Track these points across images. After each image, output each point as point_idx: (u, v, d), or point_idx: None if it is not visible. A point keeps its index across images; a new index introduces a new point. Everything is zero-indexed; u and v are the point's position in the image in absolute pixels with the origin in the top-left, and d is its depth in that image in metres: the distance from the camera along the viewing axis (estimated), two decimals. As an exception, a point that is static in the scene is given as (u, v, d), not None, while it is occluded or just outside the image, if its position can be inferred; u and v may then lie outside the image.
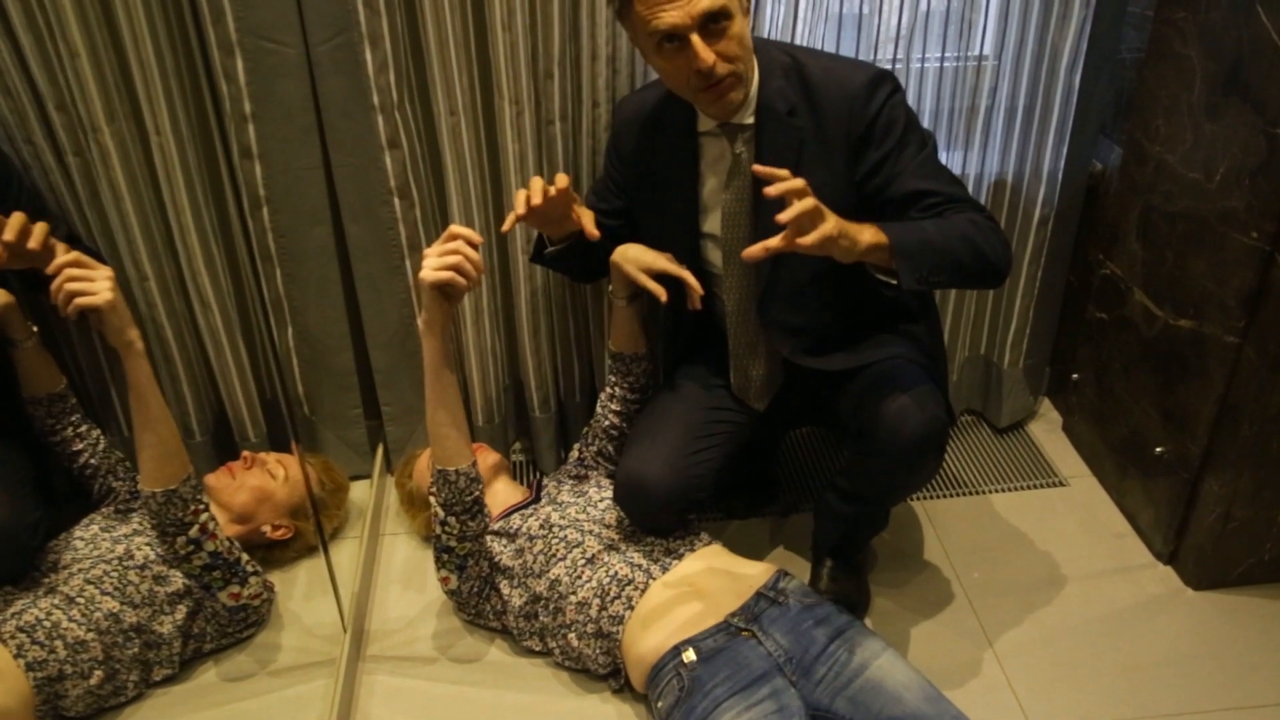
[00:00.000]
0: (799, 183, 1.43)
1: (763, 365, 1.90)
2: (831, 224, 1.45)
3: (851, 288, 1.78)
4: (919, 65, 2.08)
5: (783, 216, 1.43)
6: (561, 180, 1.71)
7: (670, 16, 1.52)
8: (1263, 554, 2.00)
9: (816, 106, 1.64)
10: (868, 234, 1.51)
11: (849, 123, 1.62)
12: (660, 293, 1.83)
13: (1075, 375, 2.38)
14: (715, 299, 1.91)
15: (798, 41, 1.99)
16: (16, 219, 1.61)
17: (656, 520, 1.87)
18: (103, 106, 1.83)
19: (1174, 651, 1.90)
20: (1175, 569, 2.08)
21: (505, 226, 1.69)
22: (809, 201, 1.43)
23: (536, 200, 1.67)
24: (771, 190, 1.43)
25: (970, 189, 2.19)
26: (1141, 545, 2.15)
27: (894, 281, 1.56)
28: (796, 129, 1.66)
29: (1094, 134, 2.22)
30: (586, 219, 1.77)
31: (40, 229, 1.63)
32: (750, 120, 1.69)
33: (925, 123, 2.12)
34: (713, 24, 1.54)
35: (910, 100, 2.05)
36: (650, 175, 1.83)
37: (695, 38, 1.53)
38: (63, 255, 1.61)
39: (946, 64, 2.10)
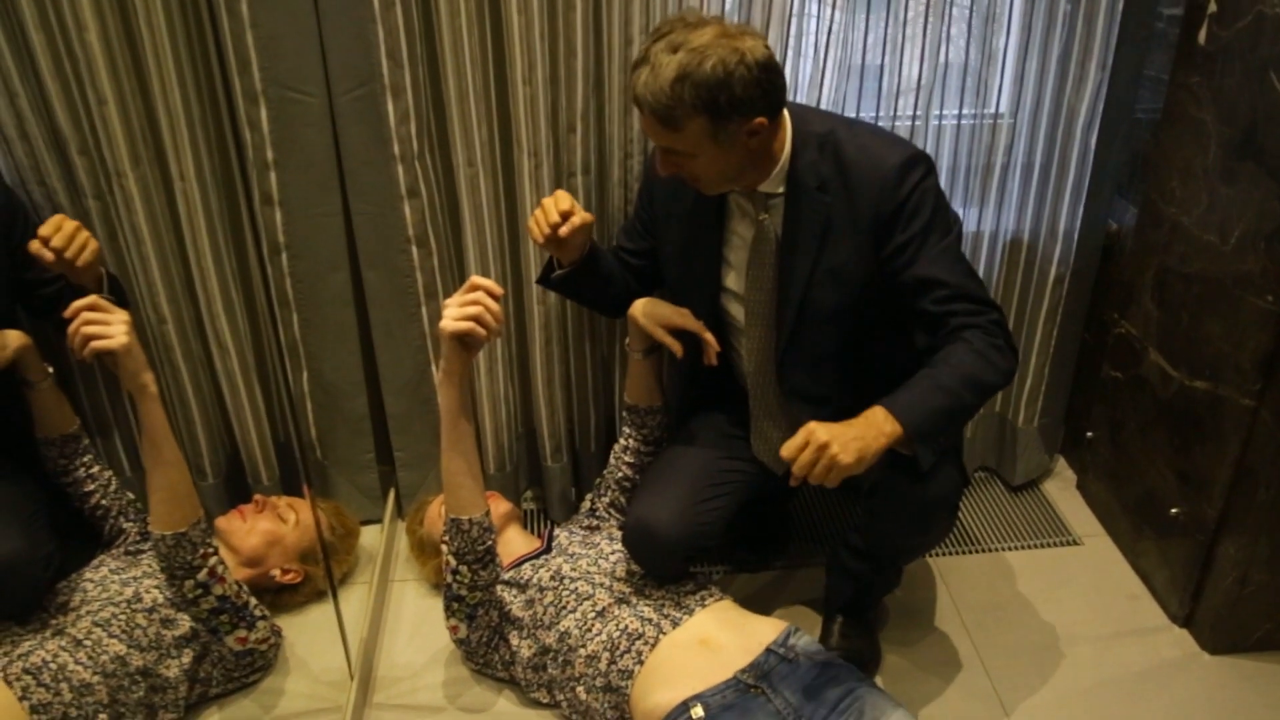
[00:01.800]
0: (807, 458, 1.46)
1: (783, 430, 1.90)
2: (850, 458, 1.45)
3: (871, 355, 1.79)
4: (936, 122, 2.10)
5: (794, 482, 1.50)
6: (576, 217, 1.73)
7: (642, 122, 1.59)
8: (1280, 619, 1.98)
9: (849, 183, 1.64)
10: (885, 436, 1.50)
11: (879, 203, 1.62)
12: (677, 348, 1.84)
13: (1090, 434, 2.37)
14: (734, 352, 1.92)
15: (824, 95, 2.01)
16: (69, 226, 1.70)
17: (664, 567, 1.86)
18: (128, 152, 1.86)
19: (1189, 717, 1.87)
20: (1191, 632, 2.06)
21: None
22: (818, 471, 1.47)
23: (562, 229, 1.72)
24: (793, 482, 1.49)
25: (985, 247, 2.21)
26: (1157, 607, 2.13)
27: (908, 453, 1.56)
28: (824, 205, 1.66)
29: (1110, 194, 2.23)
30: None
31: (92, 248, 1.74)
32: (780, 190, 1.69)
33: (942, 180, 2.12)
34: (671, 154, 1.60)
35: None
36: (678, 223, 1.84)
37: (657, 153, 1.62)
38: (80, 300, 1.63)
39: (964, 121, 2.12)
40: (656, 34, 1.53)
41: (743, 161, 1.62)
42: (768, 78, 1.53)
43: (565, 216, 1.71)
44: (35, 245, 1.69)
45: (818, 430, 1.46)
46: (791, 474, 1.48)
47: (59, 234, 1.70)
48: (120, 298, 1.89)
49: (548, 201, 1.73)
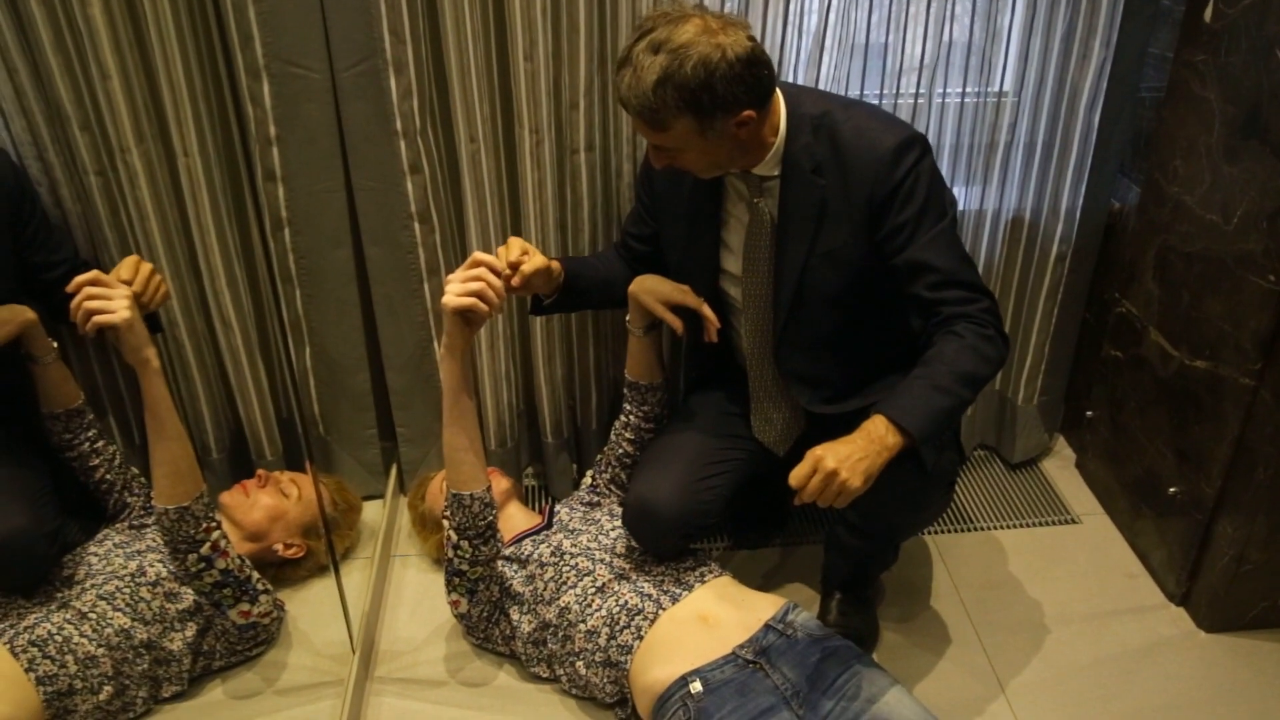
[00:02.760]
0: (815, 486, 1.46)
1: (784, 412, 1.90)
2: (859, 481, 1.46)
3: (868, 337, 1.79)
4: (940, 100, 2.09)
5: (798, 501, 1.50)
6: (526, 265, 1.74)
7: (631, 120, 1.60)
8: (1277, 598, 1.98)
9: (844, 166, 1.64)
10: (888, 450, 1.50)
11: (873, 185, 1.62)
12: (677, 325, 1.84)
13: (1090, 413, 2.38)
14: (735, 332, 1.92)
15: (823, 73, 2.00)
16: (145, 269, 1.77)
17: (663, 545, 1.87)
18: (132, 127, 1.86)
19: (1185, 695, 1.89)
20: (1188, 610, 2.07)
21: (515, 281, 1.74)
22: (827, 496, 1.47)
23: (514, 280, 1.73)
24: (797, 502, 1.49)
25: (987, 225, 2.21)
26: (1154, 586, 2.14)
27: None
28: (819, 187, 1.66)
29: (1112, 172, 2.23)
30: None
31: (164, 292, 1.82)
32: (776, 173, 1.69)
33: (944, 158, 2.13)
34: (661, 149, 1.60)
35: (931, 135, 2.07)
36: (677, 207, 1.84)
37: (650, 148, 1.63)
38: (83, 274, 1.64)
39: (967, 99, 2.11)
40: (639, 31, 1.52)
41: (733, 151, 1.62)
42: (751, 72, 1.52)
43: (515, 267, 1.72)
44: None
45: (825, 457, 1.46)
46: (798, 495, 1.48)
47: (138, 278, 1.74)
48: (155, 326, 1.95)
49: (500, 251, 1.74)
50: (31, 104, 1.84)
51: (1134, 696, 1.88)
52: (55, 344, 1.88)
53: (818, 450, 1.48)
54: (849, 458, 1.46)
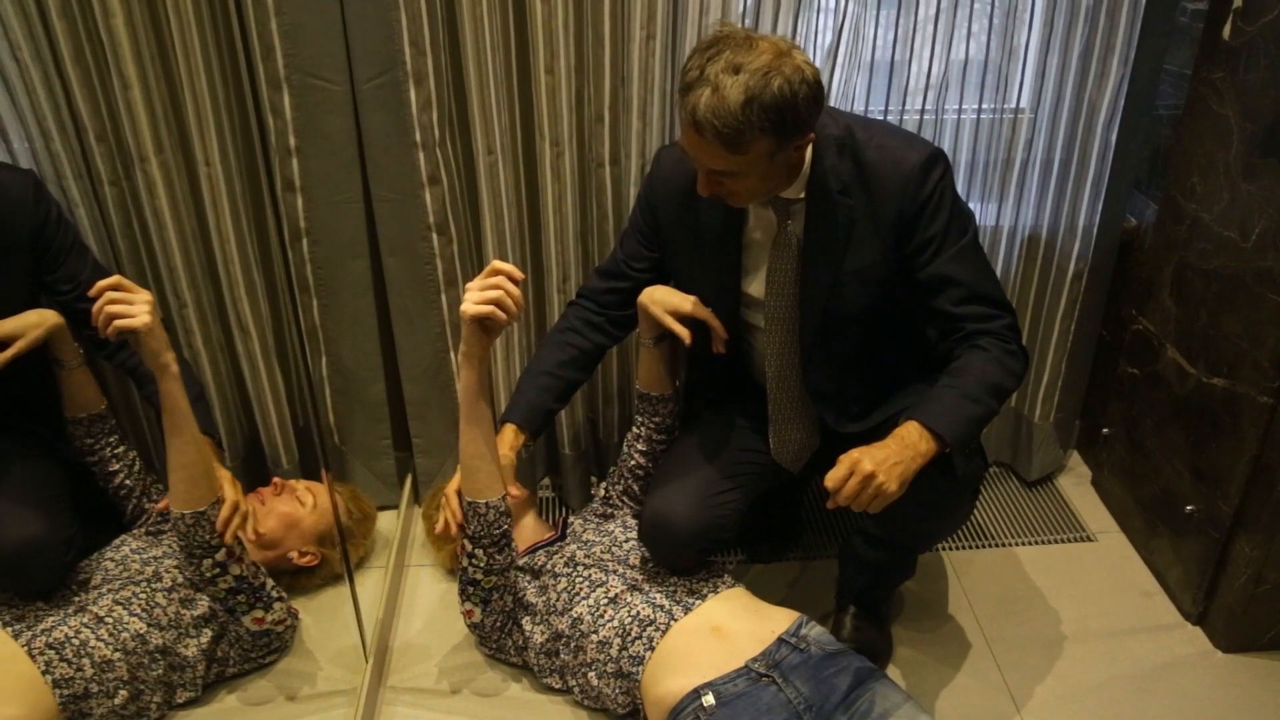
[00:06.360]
0: (851, 489, 1.47)
1: (801, 430, 1.90)
2: (895, 485, 1.47)
3: (891, 353, 1.79)
4: (954, 116, 2.09)
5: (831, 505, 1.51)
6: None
7: (686, 140, 1.56)
8: (1295, 618, 1.97)
9: (870, 185, 1.64)
10: (921, 456, 1.51)
11: (901, 202, 1.63)
12: (685, 336, 1.84)
13: (1106, 430, 2.37)
14: (753, 350, 1.92)
15: (833, 91, 2.01)
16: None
17: (679, 558, 1.87)
18: (151, 137, 1.88)
19: (1202, 714, 1.87)
20: (1204, 630, 2.06)
21: None
22: (863, 499, 1.48)
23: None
24: (831, 505, 1.50)
25: (1004, 242, 2.21)
26: (1170, 604, 2.13)
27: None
28: (847, 207, 1.66)
29: (1129, 190, 2.22)
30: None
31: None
32: (801, 195, 1.69)
33: (961, 174, 2.14)
34: (716, 174, 1.58)
35: (947, 151, 2.06)
36: (691, 231, 1.83)
37: (701, 174, 1.60)
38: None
39: (983, 116, 2.12)
40: (710, 53, 1.49)
41: (782, 176, 1.63)
42: (820, 95, 1.53)
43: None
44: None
45: (862, 460, 1.47)
46: (831, 498, 1.49)
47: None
48: None
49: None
50: (51, 126, 1.86)
51: (1150, 716, 1.87)
52: (80, 349, 1.90)
53: (854, 453, 1.49)
54: (885, 461, 1.47)
